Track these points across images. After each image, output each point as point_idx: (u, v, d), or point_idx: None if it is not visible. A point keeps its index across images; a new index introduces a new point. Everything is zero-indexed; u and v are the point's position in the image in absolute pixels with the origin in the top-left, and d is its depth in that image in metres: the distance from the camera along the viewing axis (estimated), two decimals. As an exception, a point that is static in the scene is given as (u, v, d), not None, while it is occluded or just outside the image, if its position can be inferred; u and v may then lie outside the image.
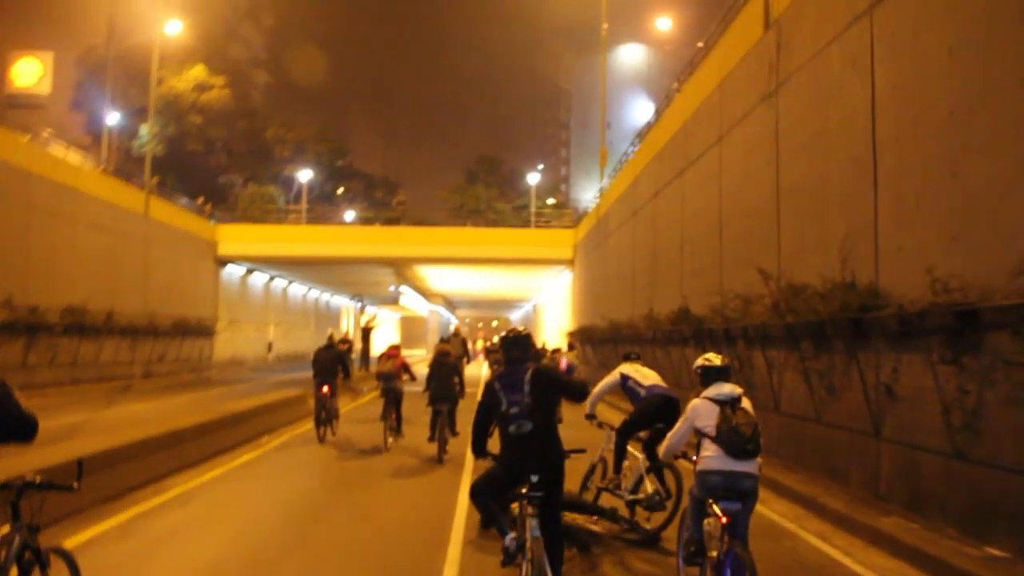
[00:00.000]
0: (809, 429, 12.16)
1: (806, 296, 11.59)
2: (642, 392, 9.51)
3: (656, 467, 9.23)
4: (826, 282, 10.98)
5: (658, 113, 26.06)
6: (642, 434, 9.60)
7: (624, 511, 9.37)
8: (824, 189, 11.96)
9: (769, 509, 10.58)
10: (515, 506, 6.51)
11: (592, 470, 10.08)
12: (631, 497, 9.33)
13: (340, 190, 76.71)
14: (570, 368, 27.02)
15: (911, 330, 8.96)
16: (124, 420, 18.24)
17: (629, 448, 9.63)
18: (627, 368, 9.90)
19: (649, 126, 27.66)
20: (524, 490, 6.13)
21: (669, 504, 9.09)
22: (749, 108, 15.33)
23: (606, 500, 9.75)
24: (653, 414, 9.23)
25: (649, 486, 9.26)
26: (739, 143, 16.06)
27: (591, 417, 9.70)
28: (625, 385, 9.71)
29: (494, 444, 6.58)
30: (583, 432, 10.57)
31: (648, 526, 9.12)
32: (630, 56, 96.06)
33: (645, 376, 9.72)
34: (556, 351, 28.46)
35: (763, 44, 14.67)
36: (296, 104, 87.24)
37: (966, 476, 8.20)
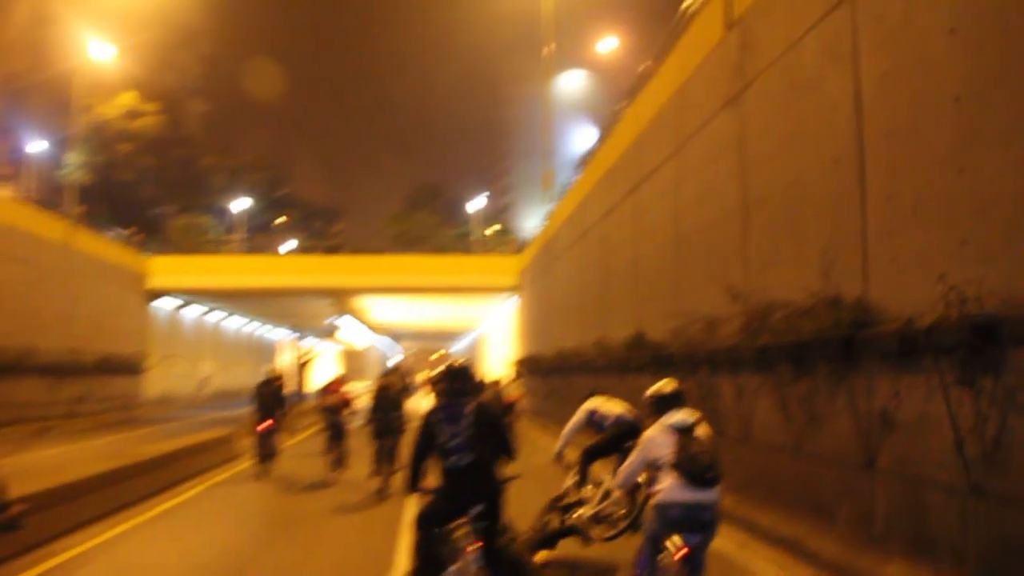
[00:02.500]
0: (786, 462, 10.99)
1: (785, 315, 10.44)
2: (607, 423, 9.35)
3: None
4: (811, 297, 9.85)
5: (607, 129, 25.02)
6: None
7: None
8: (800, 196, 10.88)
9: (749, 554, 9.41)
10: (456, 536, 6.46)
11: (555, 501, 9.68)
12: (593, 512, 9.14)
13: (278, 220, 74.85)
14: (508, 408, 25.75)
15: (915, 348, 7.83)
16: (24, 469, 16.46)
17: (598, 472, 9.47)
18: (592, 403, 9.65)
19: (598, 144, 26.63)
20: (462, 522, 6.27)
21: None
22: (710, 115, 14.28)
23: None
24: (620, 437, 9.02)
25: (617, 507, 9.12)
26: (698, 154, 14.99)
27: (560, 458, 9.42)
28: (591, 420, 9.44)
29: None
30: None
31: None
32: (572, 83, 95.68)
33: (612, 408, 9.51)
34: (495, 383, 27.20)
35: (725, 45, 13.64)
36: (234, 132, 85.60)
37: (986, 515, 7.05)
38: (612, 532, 9.16)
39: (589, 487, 9.51)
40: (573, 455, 10.05)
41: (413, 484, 6.64)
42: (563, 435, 9.34)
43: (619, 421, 9.20)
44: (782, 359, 10.85)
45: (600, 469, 9.94)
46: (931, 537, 7.78)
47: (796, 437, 10.62)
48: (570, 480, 9.71)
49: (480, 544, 6.23)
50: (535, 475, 15.39)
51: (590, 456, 9.31)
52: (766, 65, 12.00)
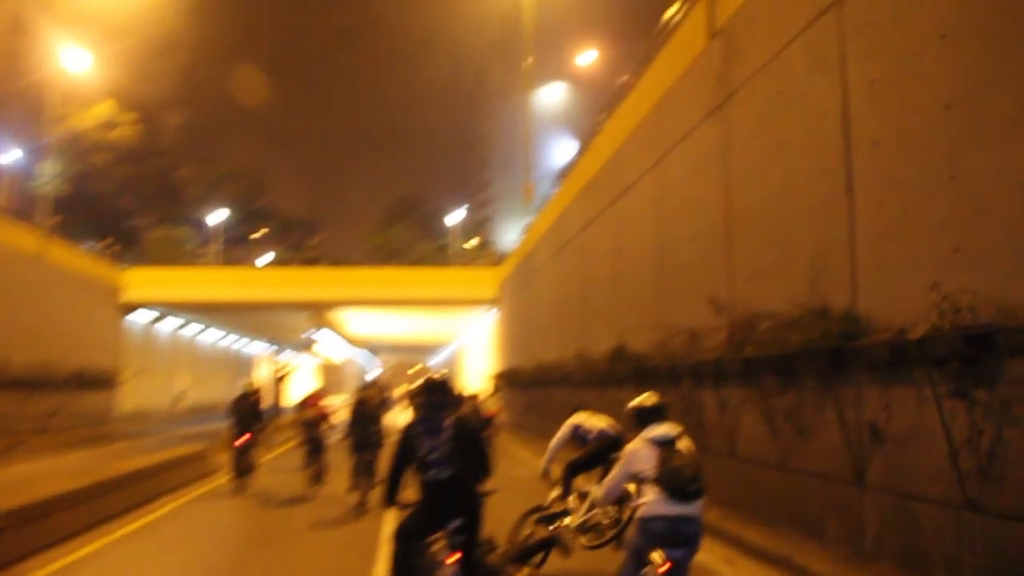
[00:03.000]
0: (773, 476, 10.81)
1: (771, 326, 10.27)
2: (591, 437, 9.34)
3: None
4: (798, 308, 9.69)
5: (587, 142, 24.89)
6: None
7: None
8: (786, 206, 10.74)
9: (736, 570, 9.19)
10: (434, 550, 6.47)
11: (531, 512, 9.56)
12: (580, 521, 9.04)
13: (256, 232, 74.32)
14: (487, 422, 25.42)
15: (906, 359, 7.67)
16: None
17: (583, 484, 9.38)
18: (577, 418, 9.63)
19: (577, 156, 26.49)
20: (441, 536, 6.28)
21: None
22: (692, 126, 14.14)
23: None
24: (603, 451, 9.01)
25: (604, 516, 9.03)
26: (681, 165, 14.85)
27: (546, 474, 9.37)
28: (575, 434, 9.42)
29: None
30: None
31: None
32: (551, 95, 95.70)
33: (595, 423, 9.49)
34: (473, 397, 26.93)
35: (708, 55, 13.51)
36: (212, 143, 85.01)
37: (983, 530, 6.88)
38: (599, 541, 9.02)
39: (573, 497, 9.34)
40: (559, 470, 9.87)
41: (391, 497, 6.59)
42: (548, 451, 9.29)
43: (602, 435, 9.15)
44: (768, 371, 10.69)
45: (585, 482, 9.77)
46: (924, 552, 7.60)
47: (783, 451, 10.44)
48: (554, 493, 9.53)
49: (458, 558, 6.22)
50: (516, 489, 15.15)
51: (573, 470, 9.24)
52: (750, 74, 11.87)
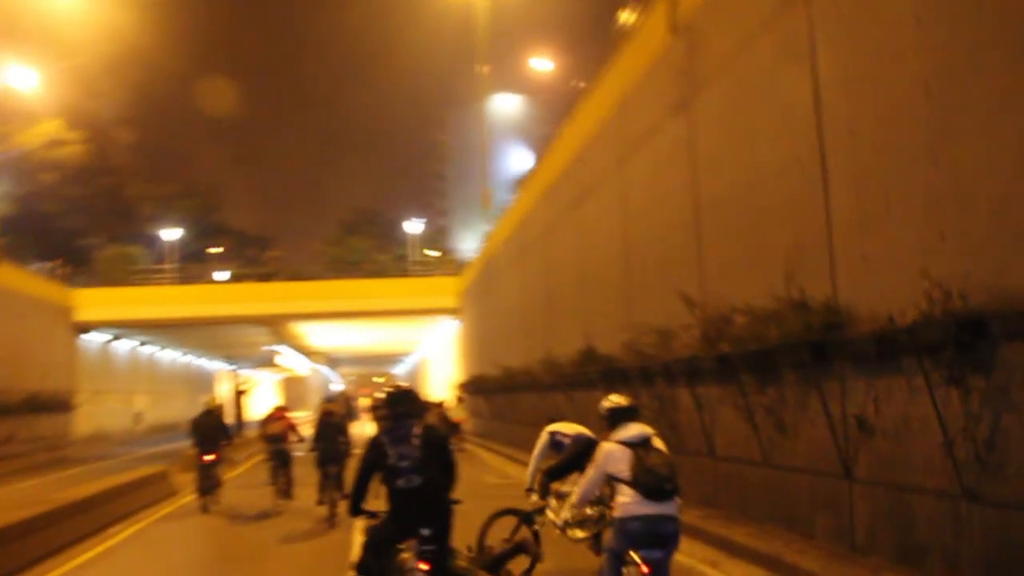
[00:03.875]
0: (755, 474, 10.63)
1: (749, 322, 10.07)
2: (567, 443, 8.96)
3: None
4: (775, 302, 9.50)
5: (547, 146, 24.72)
6: None
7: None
8: (757, 200, 10.58)
9: (724, 573, 8.95)
10: (403, 559, 6.34)
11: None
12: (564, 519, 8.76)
13: (211, 249, 73.12)
14: (454, 428, 25.10)
15: (894, 349, 7.50)
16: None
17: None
18: (553, 427, 9.29)
19: (538, 161, 26.32)
20: (410, 544, 6.20)
21: None
22: (656, 123, 13.98)
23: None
24: (580, 454, 8.57)
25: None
26: (646, 163, 14.68)
27: (532, 491, 8.95)
28: (553, 442, 9.11)
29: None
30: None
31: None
32: (505, 106, 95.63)
33: (570, 429, 9.19)
34: (439, 405, 26.57)
35: (671, 51, 13.35)
36: (163, 160, 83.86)
37: (982, 521, 6.71)
38: (586, 535, 8.73)
39: (551, 499, 9.07)
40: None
41: (357, 507, 6.48)
42: (531, 464, 9.05)
43: (578, 438, 8.88)
44: (745, 367, 10.50)
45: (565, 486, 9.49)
46: (921, 545, 7.43)
47: (765, 447, 10.26)
48: (533, 498, 9.24)
49: (428, 566, 6.16)
50: (488, 495, 14.90)
51: (551, 475, 8.90)
52: (716, 68, 11.73)
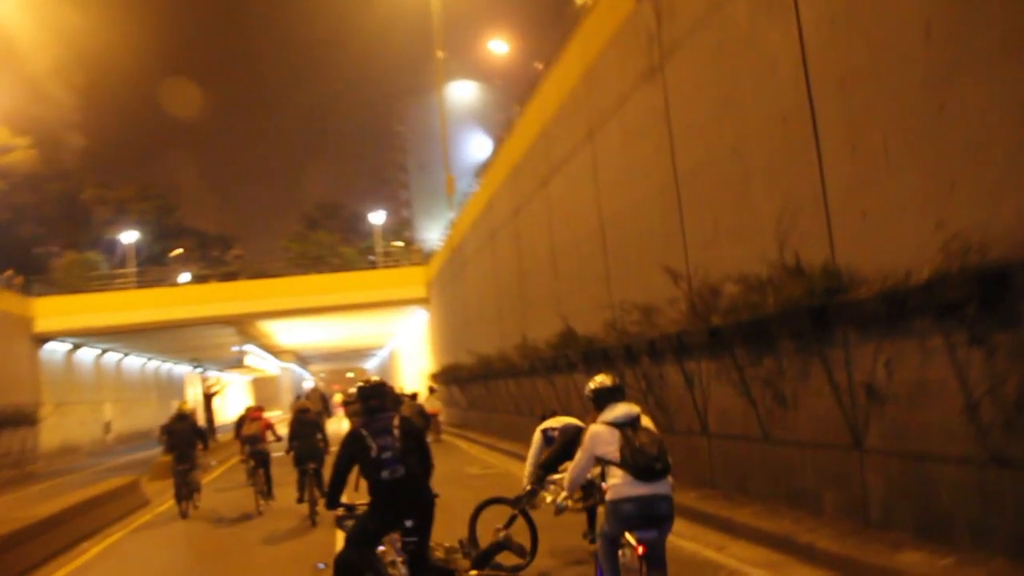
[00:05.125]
0: (754, 450, 10.14)
1: (742, 290, 9.54)
2: (557, 435, 8.82)
3: None
4: (770, 267, 8.98)
5: (510, 126, 24.10)
6: None
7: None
8: (742, 163, 10.05)
9: (735, 559, 8.45)
10: (385, 550, 6.53)
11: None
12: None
13: (172, 251, 71.76)
14: (429, 420, 24.46)
15: (905, 310, 7.01)
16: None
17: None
18: (544, 424, 9.10)
19: (501, 142, 25.70)
20: (393, 537, 6.41)
21: None
22: (627, 92, 13.43)
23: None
24: (569, 443, 8.37)
25: None
26: (617, 134, 14.13)
27: (534, 494, 8.62)
28: (546, 438, 8.93)
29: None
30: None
31: None
32: (463, 93, 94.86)
33: (559, 423, 9.05)
34: (413, 396, 25.99)
35: (638, 16, 12.78)
36: (117, 162, 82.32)
37: (1014, 487, 6.24)
38: (580, 505, 8.32)
39: (550, 487, 8.67)
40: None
41: (335, 500, 6.56)
42: (528, 466, 8.77)
43: (566, 429, 8.71)
44: (738, 340, 9.99)
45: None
46: (944, 517, 6.96)
47: (763, 422, 9.77)
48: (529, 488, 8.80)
49: (410, 557, 6.34)
50: (471, 486, 14.59)
51: (545, 469, 8.57)
52: (688, 30, 11.17)
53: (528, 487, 8.58)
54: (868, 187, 7.73)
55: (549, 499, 8.48)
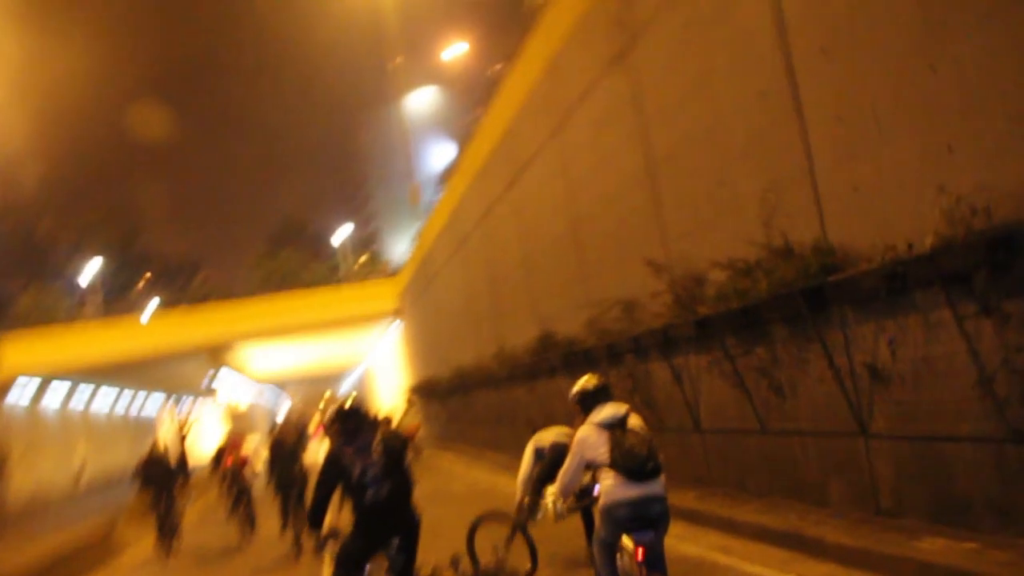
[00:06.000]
0: (751, 444, 9.72)
1: (730, 276, 9.11)
2: (546, 452, 8.53)
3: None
4: (760, 249, 8.57)
5: (472, 129, 23.66)
6: None
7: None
8: (720, 144, 9.65)
9: (744, 560, 7.99)
10: (372, 570, 6.38)
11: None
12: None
13: (138, 280, 70.64)
14: (407, 440, 23.82)
15: (906, 284, 6.61)
16: None
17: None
18: (534, 440, 8.76)
19: (464, 146, 25.24)
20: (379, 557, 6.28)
21: None
22: (594, 81, 13.02)
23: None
24: (558, 459, 7.74)
25: None
26: (585, 125, 13.71)
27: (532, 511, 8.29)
28: (538, 455, 8.62)
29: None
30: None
31: None
32: (423, 100, 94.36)
33: (547, 437, 8.73)
34: (387, 420, 25.33)
35: (601, 2, 12.38)
36: (75, 191, 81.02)
37: (1041, 465, 5.85)
38: (576, 505, 7.95)
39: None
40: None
41: (317, 521, 6.40)
42: (519, 484, 8.47)
43: (554, 447, 8.42)
44: (728, 329, 9.56)
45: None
46: (961, 500, 6.57)
47: (760, 413, 9.34)
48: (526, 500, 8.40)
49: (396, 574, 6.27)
50: (457, 503, 14.12)
51: (540, 483, 8.27)
52: (655, 9, 10.79)
53: (525, 504, 8.23)
54: (858, 158, 7.34)
55: (550, 502, 8.08)
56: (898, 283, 6.67)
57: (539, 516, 8.18)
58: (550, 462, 8.22)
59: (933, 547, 6.32)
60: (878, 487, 7.57)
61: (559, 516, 7.67)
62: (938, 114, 6.41)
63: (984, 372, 6.08)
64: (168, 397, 71.96)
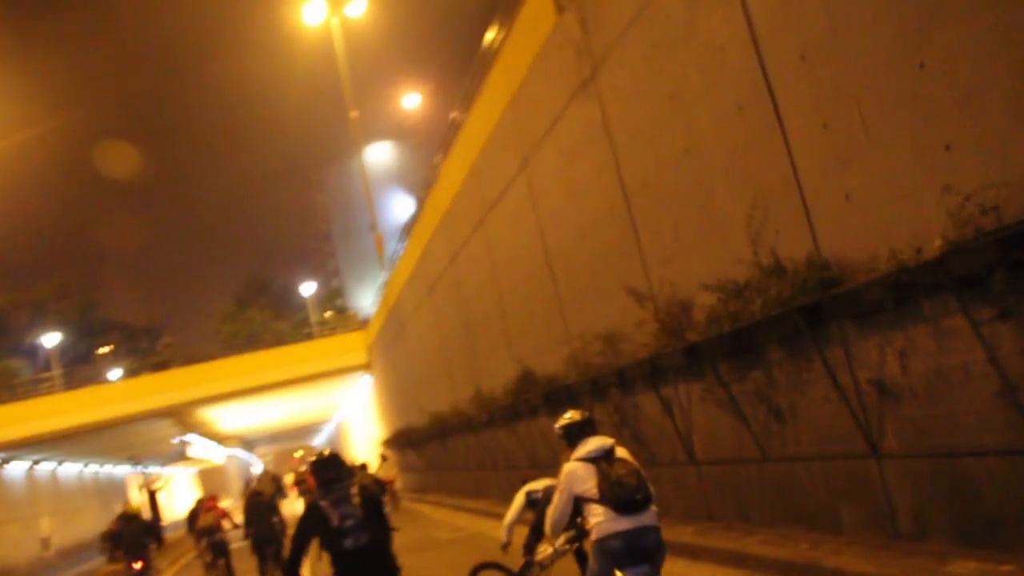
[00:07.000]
0: (751, 472, 9.30)
1: (720, 299, 8.74)
2: (541, 498, 8.09)
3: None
4: (752, 267, 8.21)
5: (435, 173, 23.31)
6: None
7: None
8: (698, 165, 9.34)
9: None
10: None
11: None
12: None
13: (100, 349, 69.35)
14: (383, 488, 23.28)
15: (913, 293, 6.27)
16: None
17: None
18: (527, 486, 8.40)
19: (427, 190, 24.87)
20: None
21: None
22: (559, 111, 12.74)
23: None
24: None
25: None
26: (554, 158, 13.40)
27: (507, 547, 8.02)
28: (529, 501, 8.26)
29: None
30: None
31: None
32: (381, 154, 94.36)
33: (542, 484, 8.31)
34: (363, 467, 24.69)
35: (561, 29, 12.14)
36: (29, 265, 79.78)
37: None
38: (569, 547, 7.52)
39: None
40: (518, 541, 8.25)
41: (293, 571, 6.16)
42: (505, 526, 8.17)
43: (548, 491, 7.92)
44: (719, 354, 9.17)
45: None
46: (990, 518, 6.18)
47: (760, 440, 8.94)
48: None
49: None
50: (442, 550, 13.63)
51: (536, 535, 7.91)
52: (619, 32, 10.52)
53: (507, 545, 7.91)
54: (848, 165, 7.04)
55: (548, 551, 7.65)
56: (904, 292, 6.32)
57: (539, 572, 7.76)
58: (543, 507, 7.84)
59: (966, 570, 5.92)
60: (895, 509, 7.17)
61: (557, 555, 7.27)
62: (931, 112, 6.12)
63: (1007, 380, 5.72)
64: (135, 465, 70.41)
